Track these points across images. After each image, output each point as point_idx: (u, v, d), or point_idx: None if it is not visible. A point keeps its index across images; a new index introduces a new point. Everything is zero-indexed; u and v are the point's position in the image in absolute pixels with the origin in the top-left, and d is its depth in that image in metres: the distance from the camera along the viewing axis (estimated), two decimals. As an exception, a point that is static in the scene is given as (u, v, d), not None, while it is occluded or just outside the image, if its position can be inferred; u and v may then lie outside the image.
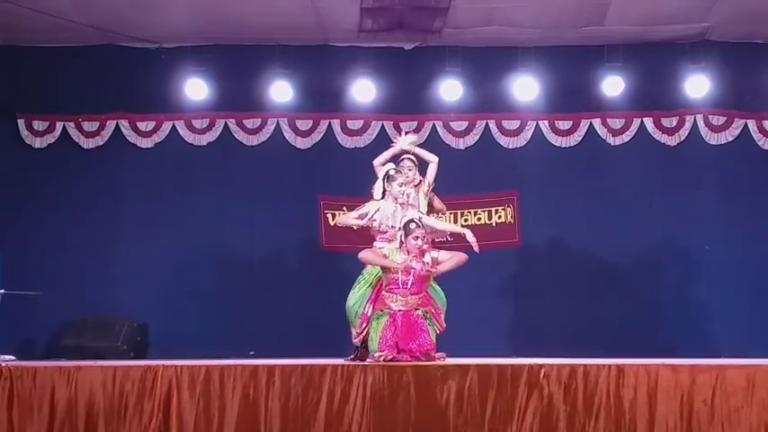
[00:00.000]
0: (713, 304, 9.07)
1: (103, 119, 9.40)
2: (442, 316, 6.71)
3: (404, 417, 5.72)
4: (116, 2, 8.66)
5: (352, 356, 6.68)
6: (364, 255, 6.64)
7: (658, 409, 5.66)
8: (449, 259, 6.54)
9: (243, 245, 9.34)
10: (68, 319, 8.80)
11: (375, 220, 6.81)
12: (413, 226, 6.50)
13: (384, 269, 6.53)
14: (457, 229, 7.31)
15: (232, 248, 9.33)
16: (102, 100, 9.37)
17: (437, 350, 6.48)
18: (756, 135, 9.37)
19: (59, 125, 9.39)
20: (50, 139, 9.41)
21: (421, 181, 7.13)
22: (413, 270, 6.44)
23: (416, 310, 6.47)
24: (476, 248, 6.73)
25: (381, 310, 6.48)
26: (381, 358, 6.19)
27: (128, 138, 9.43)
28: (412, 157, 7.16)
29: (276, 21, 8.89)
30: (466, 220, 9.37)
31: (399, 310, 6.43)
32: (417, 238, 6.47)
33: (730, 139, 9.40)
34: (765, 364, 5.99)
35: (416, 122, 9.45)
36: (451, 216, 9.26)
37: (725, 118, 9.38)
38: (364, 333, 6.55)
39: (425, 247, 6.57)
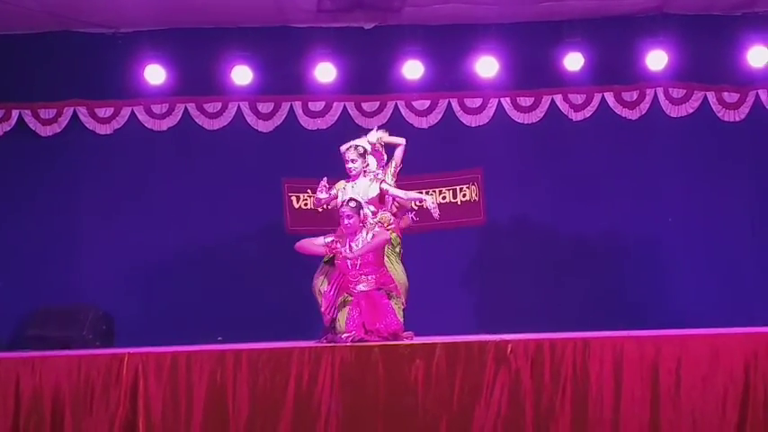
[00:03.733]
0: (677, 276, 9.15)
1: (60, 106, 9.27)
2: (402, 297, 6.75)
3: (373, 396, 5.72)
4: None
5: (322, 338, 6.67)
6: (297, 245, 6.69)
7: (624, 381, 5.71)
8: (366, 243, 6.52)
9: (207, 230, 9.28)
10: (32, 309, 8.70)
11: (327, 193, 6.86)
12: (341, 206, 6.59)
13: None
14: (418, 195, 7.28)
15: (196, 234, 9.26)
16: (59, 87, 9.24)
17: (404, 329, 6.50)
18: (716, 107, 9.44)
19: (15, 113, 9.24)
20: (6, 127, 9.25)
21: (388, 162, 7.20)
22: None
23: (379, 289, 6.50)
24: (435, 215, 6.83)
25: (346, 294, 6.51)
26: (349, 339, 6.20)
27: (86, 124, 9.31)
28: (361, 145, 7.09)
29: (234, 3, 8.81)
30: (431, 200, 9.36)
31: (362, 291, 6.46)
32: (343, 216, 6.53)
33: (690, 111, 9.46)
34: (728, 333, 6.07)
35: (378, 103, 9.43)
36: (416, 196, 9.27)
37: (684, 90, 9.44)
38: (331, 314, 6.56)
39: (359, 224, 6.58)
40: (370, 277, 6.52)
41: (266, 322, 8.70)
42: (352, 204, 6.57)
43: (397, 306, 6.56)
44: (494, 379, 5.73)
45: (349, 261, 6.47)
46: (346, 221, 6.54)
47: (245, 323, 8.72)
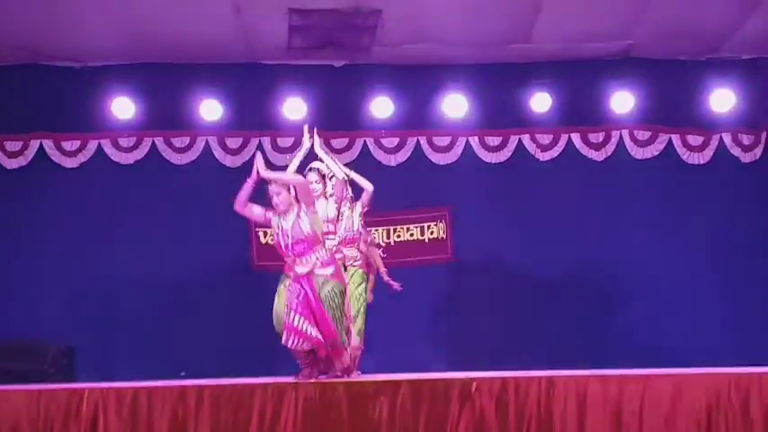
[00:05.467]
0: (642, 315, 9.20)
1: (27, 138, 9.23)
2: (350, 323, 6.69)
3: (336, 434, 5.68)
4: (40, 21, 8.51)
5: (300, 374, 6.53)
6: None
7: (588, 421, 5.69)
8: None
9: (172, 265, 9.22)
10: (-7, 342, 8.58)
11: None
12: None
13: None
14: (355, 177, 7.24)
15: (161, 268, 9.19)
16: (26, 120, 9.22)
17: (356, 367, 6.47)
18: (680, 149, 9.58)
19: (-20, 146, 9.21)
20: (-29, 159, 9.22)
21: (353, 202, 7.23)
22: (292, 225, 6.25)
23: (323, 282, 6.22)
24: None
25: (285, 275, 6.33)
26: (297, 309, 6.10)
27: (52, 157, 9.28)
28: (321, 168, 7.04)
29: (204, 39, 8.84)
30: (399, 236, 9.41)
31: (302, 274, 6.18)
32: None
33: (655, 153, 9.59)
34: (692, 372, 6.10)
35: (348, 139, 9.47)
36: (384, 232, 9.33)
37: (650, 133, 9.58)
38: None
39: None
40: (306, 257, 6.18)
41: (230, 358, 8.63)
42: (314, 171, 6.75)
43: (335, 316, 6.25)
44: (458, 417, 5.69)
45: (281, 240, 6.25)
46: (314, 185, 6.69)
47: (210, 358, 8.65)
